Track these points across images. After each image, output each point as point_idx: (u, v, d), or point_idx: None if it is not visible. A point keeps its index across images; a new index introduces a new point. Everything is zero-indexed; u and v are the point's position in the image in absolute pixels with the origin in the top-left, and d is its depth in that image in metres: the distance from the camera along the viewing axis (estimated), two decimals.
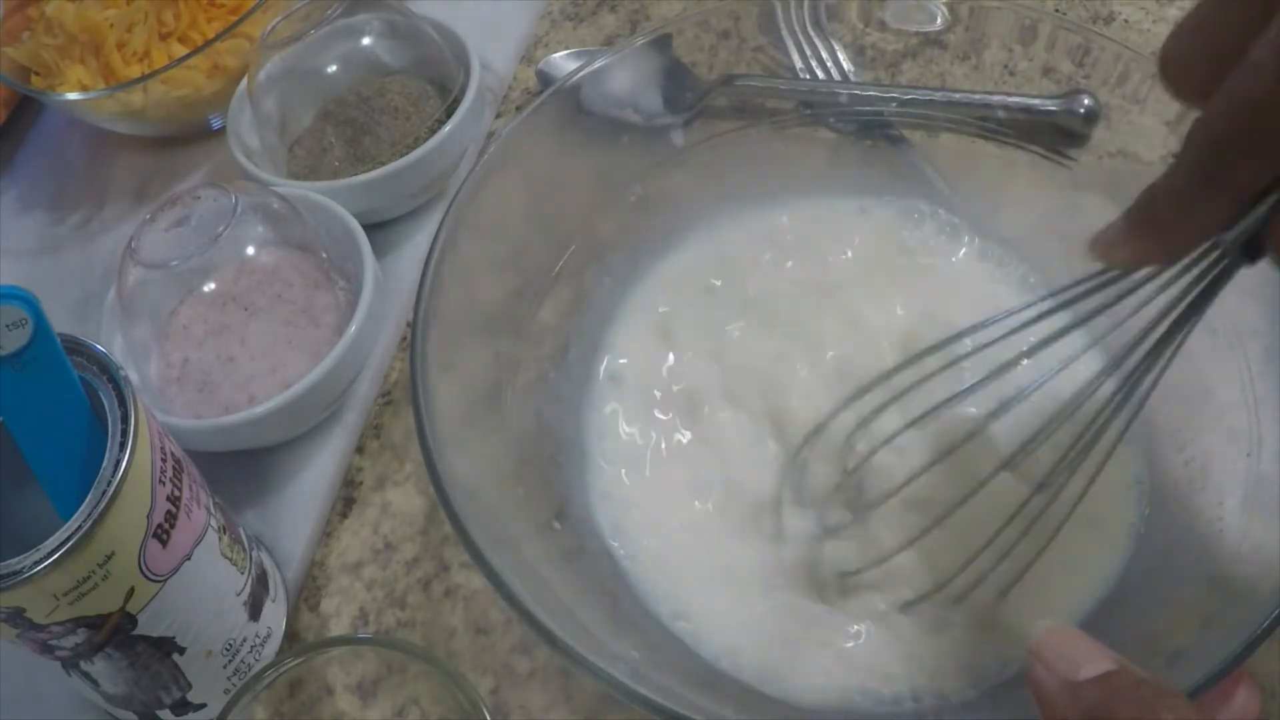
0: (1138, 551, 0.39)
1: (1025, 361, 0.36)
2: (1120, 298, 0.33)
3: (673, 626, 0.40)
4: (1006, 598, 0.37)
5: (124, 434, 0.35)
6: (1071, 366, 0.36)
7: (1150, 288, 0.32)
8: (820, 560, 0.40)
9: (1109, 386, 0.34)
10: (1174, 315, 0.32)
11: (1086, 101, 0.46)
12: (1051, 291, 0.35)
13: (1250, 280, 0.31)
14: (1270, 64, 0.26)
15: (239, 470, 0.48)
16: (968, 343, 0.37)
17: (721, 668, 0.39)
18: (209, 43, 0.57)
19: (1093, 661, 0.28)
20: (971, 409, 0.39)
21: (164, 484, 0.36)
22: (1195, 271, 0.31)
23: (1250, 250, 0.29)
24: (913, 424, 0.38)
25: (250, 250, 0.50)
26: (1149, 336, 0.32)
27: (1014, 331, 0.36)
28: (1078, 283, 0.34)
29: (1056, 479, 0.35)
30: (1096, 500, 0.36)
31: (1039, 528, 0.35)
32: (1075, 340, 0.36)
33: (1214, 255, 0.30)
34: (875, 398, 0.39)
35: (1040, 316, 0.35)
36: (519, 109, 0.50)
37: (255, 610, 0.42)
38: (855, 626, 0.39)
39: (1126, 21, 0.58)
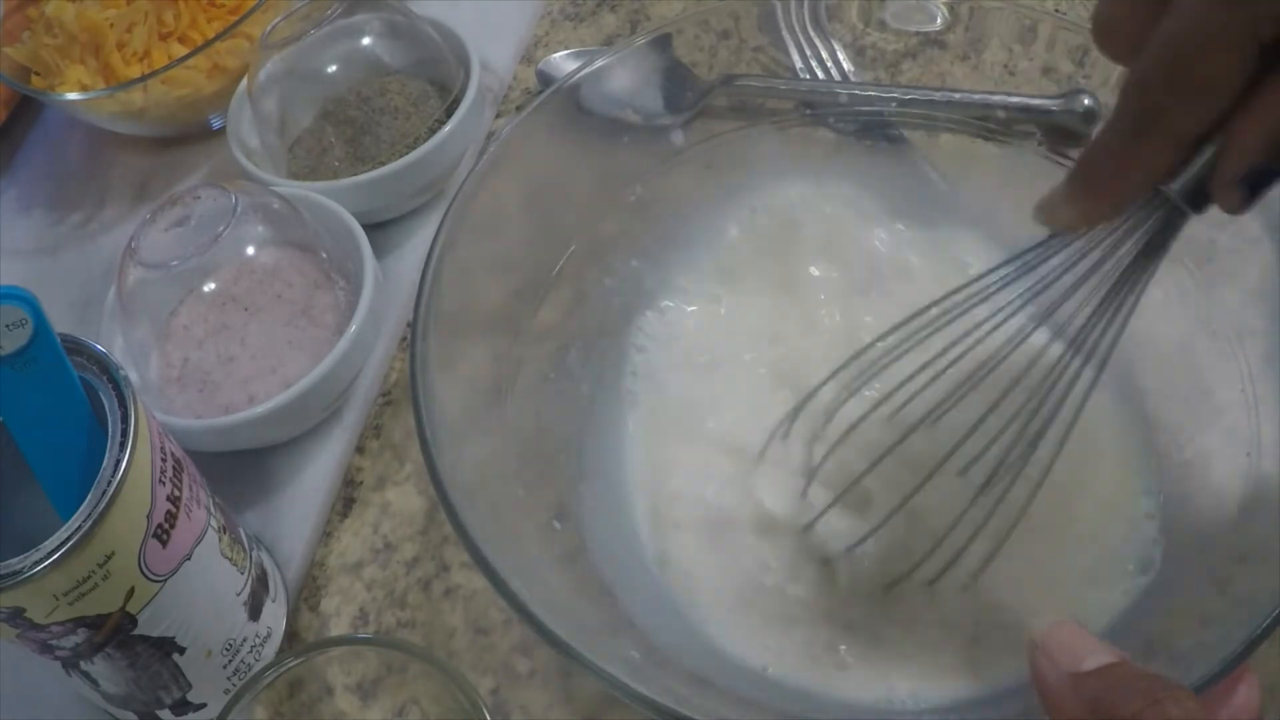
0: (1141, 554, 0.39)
1: (978, 334, 0.37)
2: (1074, 262, 0.33)
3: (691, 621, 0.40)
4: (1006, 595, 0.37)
5: (124, 434, 0.35)
6: (1028, 337, 0.36)
7: (1101, 249, 0.32)
8: (830, 552, 0.40)
9: (1062, 350, 0.35)
10: (1123, 270, 0.32)
11: (1086, 101, 0.46)
12: (1009, 259, 0.36)
13: (1250, 280, 0.31)
14: (1191, 9, 0.26)
15: (239, 470, 0.48)
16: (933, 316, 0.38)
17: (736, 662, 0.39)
18: (209, 43, 0.57)
19: (1096, 654, 0.28)
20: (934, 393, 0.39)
21: (164, 484, 0.36)
22: (1143, 229, 0.31)
23: (1195, 200, 0.30)
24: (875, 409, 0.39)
25: (250, 250, 0.50)
26: (1106, 297, 0.33)
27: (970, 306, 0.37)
28: (1026, 251, 0.34)
29: (1018, 457, 0.36)
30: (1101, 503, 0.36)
31: (1006, 508, 0.36)
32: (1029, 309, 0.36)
33: (1159, 209, 0.30)
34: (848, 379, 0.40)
35: (995, 287, 0.36)
36: (519, 109, 0.50)
37: (255, 610, 0.42)
38: (856, 614, 0.39)
39: None
